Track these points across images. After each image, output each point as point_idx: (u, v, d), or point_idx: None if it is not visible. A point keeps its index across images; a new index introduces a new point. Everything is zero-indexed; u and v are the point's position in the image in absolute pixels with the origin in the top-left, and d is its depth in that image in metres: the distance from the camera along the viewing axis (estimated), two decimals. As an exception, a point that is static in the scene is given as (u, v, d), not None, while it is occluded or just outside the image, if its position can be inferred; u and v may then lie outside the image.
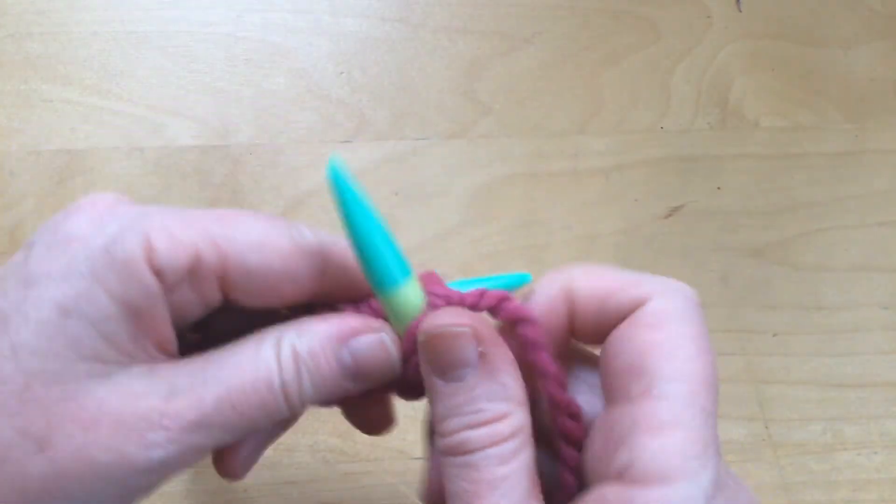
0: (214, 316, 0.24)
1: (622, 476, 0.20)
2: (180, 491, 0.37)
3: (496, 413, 0.21)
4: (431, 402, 0.23)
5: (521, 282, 0.25)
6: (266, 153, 0.43)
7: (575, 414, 0.24)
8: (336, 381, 0.23)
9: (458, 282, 0.25)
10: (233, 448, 0.25)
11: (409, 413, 0.39)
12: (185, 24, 0.45)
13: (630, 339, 0.22)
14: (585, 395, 0.24)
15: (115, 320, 0.20)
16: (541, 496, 0.21)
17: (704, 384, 0.21)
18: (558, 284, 0.24)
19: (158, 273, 0.21)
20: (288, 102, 0.44)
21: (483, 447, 0.21)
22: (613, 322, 0.23)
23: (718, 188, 0.45)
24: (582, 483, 0.23)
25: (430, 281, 0.24)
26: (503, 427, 0.21)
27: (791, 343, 0.42)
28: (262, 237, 0.22)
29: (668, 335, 0.22)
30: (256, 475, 0.37)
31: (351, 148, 0.44)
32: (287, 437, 0.38)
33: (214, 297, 0.22)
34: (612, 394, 0.22)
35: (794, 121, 0.47)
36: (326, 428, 0.38)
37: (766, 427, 0.40)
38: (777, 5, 0.49)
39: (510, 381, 0.22)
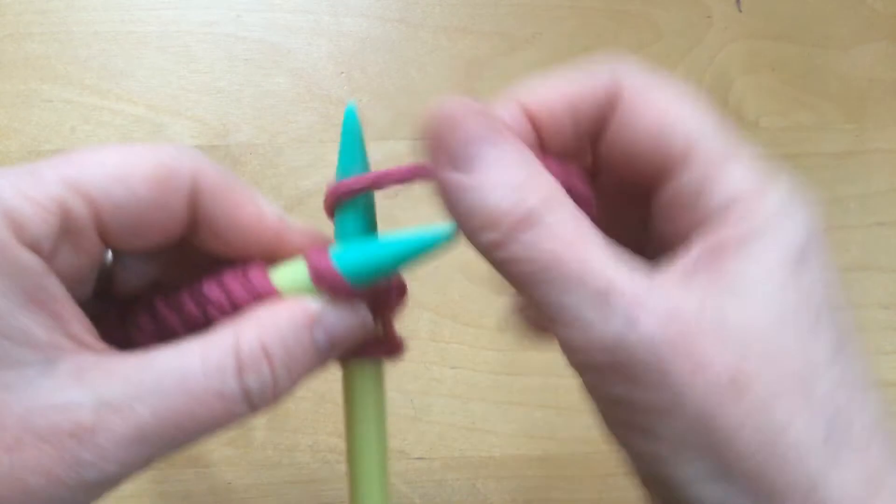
0: (112, 278, 0.23)
1: (728, 208, 0.19)
2: (181, 491, 0.37)
3: (536, 170, 0.20)
4: (457, 203, 0.20)
5: (438, 241, 0.22)
6: (266, 153, 0.43)
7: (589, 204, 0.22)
8: (312, 364, 0.21)
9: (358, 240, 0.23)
10: None
11: (408, 413, 0.39)
12: (185, 24, 0.45)
13: (633, 125, 0.21)
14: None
15: (12, 314, 0.18)
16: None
17: (721, 124, 0.21)
18: (515, 108, 0.22)
19: (35, 246, 0.19)
20: (288, 102, 0.44)
21: (543, 199, 0.19)
22: (593, 128, 0.22)
23: (718, 188, 0.45)
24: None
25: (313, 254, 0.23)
26: (549, 181, 0.19)
27: (791, 343, 0.42)
28: (123, 167, 0.20)
29: (663, 101, 0.21)
30: (257, 475, 0.37)
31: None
32: (287, 437, 0.38)
33: (96, 249, 0.21)
34: (646, 178, 0.21)
35: (794, 121, 0.47)
36: (327, 428, 0.38)
37: (766, 427, 0.40)
38: (777, 5, 0.49)
39: (532, 157, 0.20)
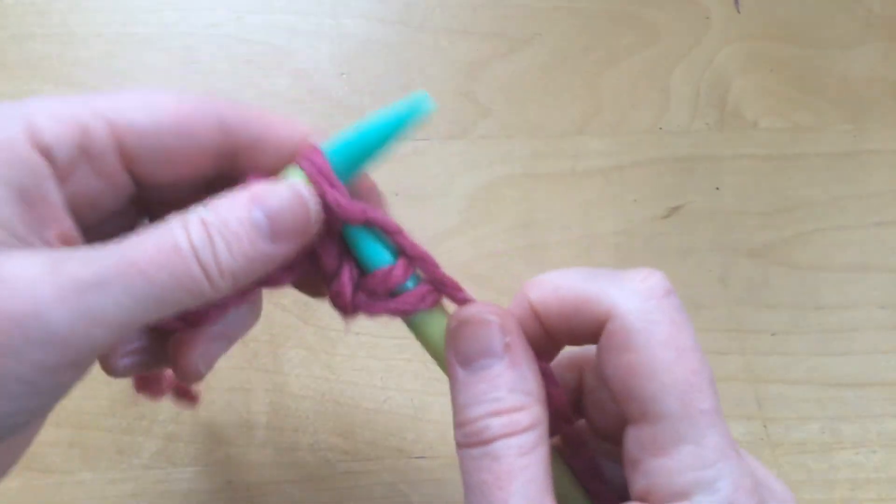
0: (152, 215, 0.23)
1: (646, 500, 0.21)
2: (181, 490, 0.37)
3: (517, 402, 0.22)
4: (452, 391, 0.23)
5: (418, 106, 0.23)
6: (267, 154, 0.43)
7: (565, 411, 0.24)
8: (253, 243, 0.21)
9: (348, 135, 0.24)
10: (186, 342, 0.24)
11: (408, 413, 0.39)
12: (186, 25, 0.45)
13: (608, 366, 0.22)
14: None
15: (2, 202, 0.19)
16: (553, 495, 0.21)
17: (693, 387, 0.20)
18: (524, 305, 0.24)
19: (46, 152, 0.20)
20: (289, 103, 0.44)
21: (504, 435, 0.21)
22: (590, 336, 0.23)
23: (717, 189, 0.45)
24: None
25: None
26: (523, 417, 0.21)
27: (789, 342, 0.42)
28: (147, 98, 0.21)
29: (640, 354, 0.21)
30: (257, 474, 0.37)
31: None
32: (287, 437, 0.38)
33: (120, 177, 0.21)
34: (622, 414, 0.22)
35: (792, 121, 0.47)
36: (327, 427, 0.38)
37: (765, 426, 0.40)
38: (776, 6, 0.49)
39: (530, 375, 0.22)
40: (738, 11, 0.48)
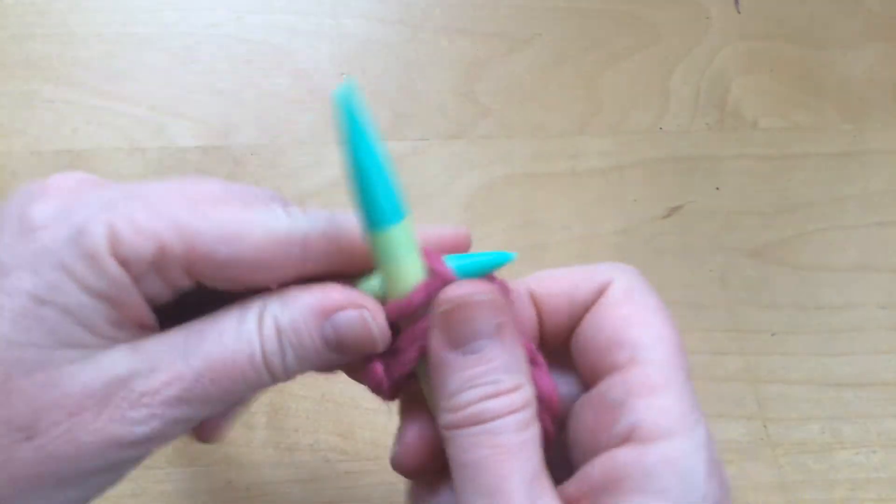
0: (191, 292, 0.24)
1: (630, 438, 0.21)
2: (181, 490, 0.37)
3: (513, 383, 0.22)
4: (440, 377, 0.22)
5: (505, 260, 0.24)
6: (267, 154, 0.43)
7: (556, 409, 0.24)
8: (319, 353, 0.23)
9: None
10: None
11: (409, 412, 0.39)
12: (186, 25, 0.45)
13: (604, 317, 0.23)
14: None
15: (89, 308, 0.21)
16: (547, 472, 0.22)
17: (679, 349, 0.23)
18: (523, 291, 0.25)
19: (124, 263, 0.21)
20: (289, 103, 0.44)
21: (502, 415, 0.21)
22: (583, 312, 0.24)
23: (717, 188, 0.45)
24: (568, 463, 0.24)
25: (431, 257, 0.24)
26: (518, 397, 0.22)
27: (790, 343, 0.42)
28: (234, 228, 0.21)
29: (638, 307, 0.23)
30: (257, 474, 0.37)
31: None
32: (288, 437, 0.38)
33: (184, 283, 0.22)
34: (595, 370, 0.23)
35: (792, 121, 0.47)
36: (327, 427, 0.38)
37: (765, 426, 0.40)
38: (776, 6, 0.49)
39: (521, 354, 0.23)
40: (738, 11, 0.48)
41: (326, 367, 0.24)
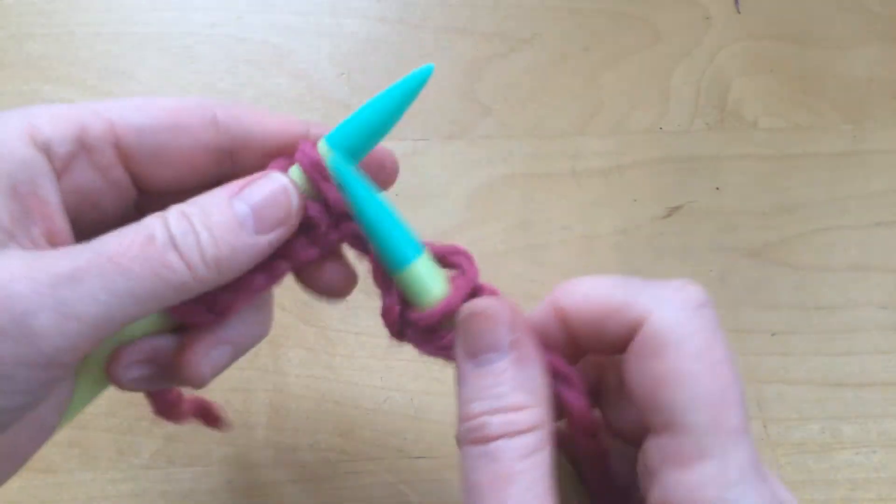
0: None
1: None
2: (181, 490, 0.37)
3: (517, 402, 0.21)
4: (458, 385, 0.23)
5: (419, 75, 0.24)
6: (267, 154, 0.43)
7: (589, 427, 0.24)
8: (237, 234, 0.22)
9: None
10: (191, 346, 0.24)
11: (408, 413, 0.39)
12: (186, 25, 0.45)
13: (638, 372, 0.21)
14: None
15: None
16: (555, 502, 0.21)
17: (723, 402, 0.20)
18: (548, 304, 0.24)
19: (44, 148, 0.20)
20: (289, 103, 0.44)
21: (502, 435, 0.21)
22: (619, 344, 0.22)
23: (717, 188, 0.45)
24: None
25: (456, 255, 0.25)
26: (522, 417, 0.21)
27: (790, 343, 0.42)
28: (143, 101, 0.22)
29: (672, 363, 0.20)
30: (257, 474, 0.37)
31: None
32: (287, 437, 0.38)
33: (118, 174, 0.22)
34: (644, 422, 0.22)
35: (792, 121, 0.47)
36: (327, 427, 0.38)
37: (765, 426, 0.40)
38: (776, 7, 0.49)
39: (535, 375, 0.22)
40: (739, 12, 0.48)
41: (255, 260, 0.22)
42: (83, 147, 0.21)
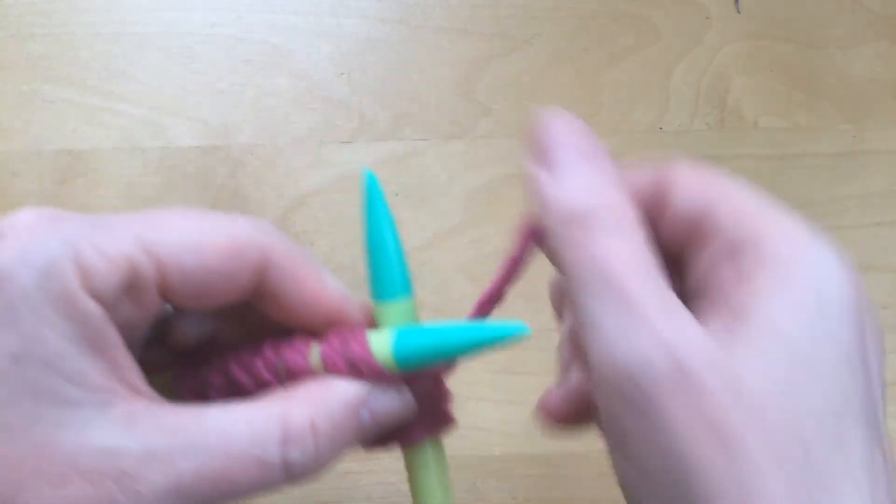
0: (168, 329, 0.24)
1: (761, 265, 0.20)
2: (182, 490, 0.37)
3: (610, 182, 0.21)
4: (536, 200, 0.21)
5: (513, 333, 0.22)
6: (267, 154, 0.43)
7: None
8: (354, 441, 0.22)
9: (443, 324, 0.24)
10: None
11: (409, 412, 0.39)
12: (186, 25, 0.45)
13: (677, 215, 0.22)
14: None
15: (71, 355, 0.19)
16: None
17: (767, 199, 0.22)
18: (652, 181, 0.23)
19: (98, 296, 0.20)
20: (289, 103, 0.44)
21: (605, 215, 0.20)
22: (651, 214, 0.22)
23: (717, 188, 0.45)
24: None
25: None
26: (618, 199, 0.20)
27: (790, 343, 0.42)
28: (198, 236, 0.21)
29: (706, 185, 0.22)
30: (257, 474, 0.37)
31: (351, 149, 0.44)
32: (288, 437, 0.38)
33: (156, 305, 0.21)
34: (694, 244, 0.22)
35: (792, 121, 0.47)
36: (327, 427, 0.38)
37: (765, 426, 0.40)
38: (776, 6, 0.49)
39: (609, 166, 0.21)
40: (738, 11, 0.48)
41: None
42: (131, 290, 0.20)
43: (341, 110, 0.44)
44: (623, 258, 0.19)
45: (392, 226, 0.24)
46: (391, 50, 0.46)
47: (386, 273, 0.24)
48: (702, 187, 0.22)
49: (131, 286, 0.20)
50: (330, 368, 0.23)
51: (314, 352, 0.23)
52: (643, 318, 0.18)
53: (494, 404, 0.40)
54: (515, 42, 0.47)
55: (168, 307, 0.23)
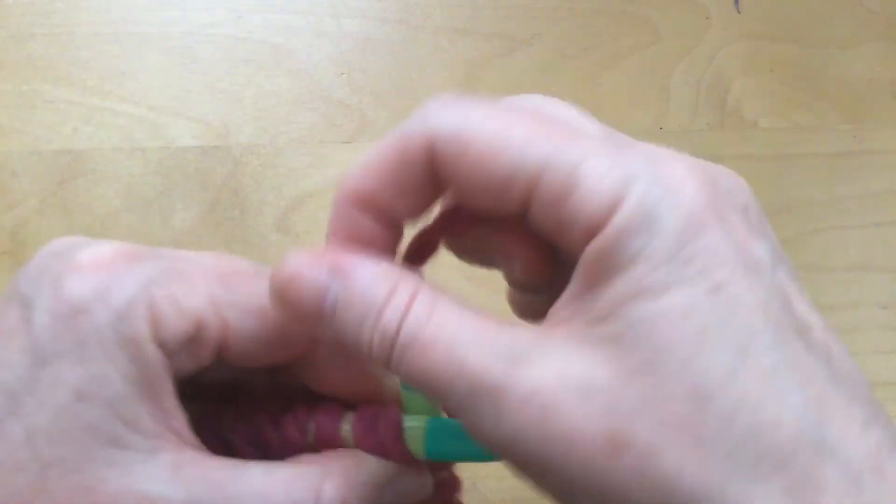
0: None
1: (590, 233, 0.17)
2: (181, 490, 0.37)
3: (387, 288, 0.18)
4: (349, 350, 0.19)
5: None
6: (267, 153, 0.43)
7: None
8: None
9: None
10: None
11: (409, 412, 0.39)
12: (186, 24, 0.45)
13: (465, 175, 0.18)
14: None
15: (131, 400, 0.19)
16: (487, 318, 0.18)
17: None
18: (345, 209, 0.20)
19: (163, 345, 0.20)
20: (289, 103, 0.44)
21: (400, 320, 0.18)
22: (431, 182, 0.19)
23: (717, 188, 0.45)
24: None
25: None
26: (403, 292, 0.18)
27: (790, 343, 0.42)
28: (261, 302, 0.21)
29: (483, 138, 0.18)
30: (257, 474, 0.37)
31: (351, 148, 0.44)
32: (288, 437, 0.38)
33: (209, 359, 0.22)
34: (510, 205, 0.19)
35: (792, 121, 0.47)
36: (327, 427, 0.38)
37: (765, 426, 0.40)
38: (776, 6, 0.49)
39: (381, 264, 0.19)
40: (739, 11, 0.48)
41: None
42: (192, 344, 0.21)
43: (341, 110, 0.44)
44: (443, 354, 0.18)
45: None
46: (391, 50, 0.46)
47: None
48: (481, 153, 0.18)
49: (194, 341, 0.21)
50: (359, 443, 0.23)
51: (346, 422, 0.24)
52: (501, 393, 0.17)
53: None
54: (515, 42, 0.47)
55: None
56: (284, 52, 0.45)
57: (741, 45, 0.48)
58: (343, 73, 0.45)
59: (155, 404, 0.20)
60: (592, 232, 0.17)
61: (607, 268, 0.17)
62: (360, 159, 0.20)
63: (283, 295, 0.19)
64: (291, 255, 0.19)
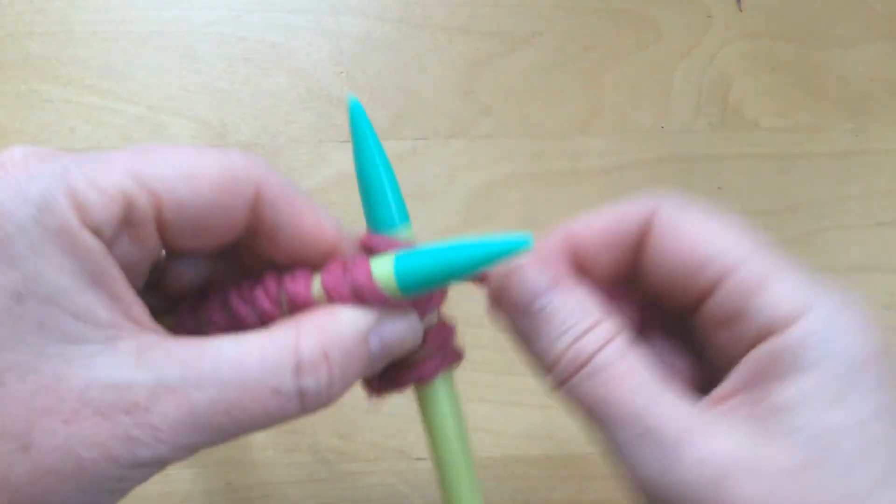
0: (163, 275, 0.23)
1: (768, 334, 0.21)
2: (181, 491, 0.37)
3: (591, 321, 0.22)
4: (526, 346, 0.23)
5: (514, 245, 0.22)
6: (266, 153, 0.43)
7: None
8: (365, 369, 0.22)
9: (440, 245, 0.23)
10: None
11: (409, 413, 0.39)
12: (185, 23, 0.45)
13: (667, 246, 0.23)
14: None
15: (75, 292, 0.19)
16: (670, 384, 0.22)
17: (759, 240, 0.22)
18: (558, 238, 0.25)
19: (96, 231, 0.19)
20: (288, 102, 0.44)
21: (596, 350, 0.22)
22: (632, 247, 0.24)
23: (719, 188, 0.45)
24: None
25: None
26: (603, 329, 0.22)
27: (791, 343, 0.42)
28: (191, 168, 0.20)
29: (696, 222, 0.23)
30: (257, 475, 0.37)
31: (350, 148, 0.44)
32: (287, 437, 0.38)
33: (153, 243, 0.21)
34: (686, 295, 0.23)
35: (794, 121, 0.47)
36: (326, 428, 0.38)
37: (767, 427, 0.40)
38: (777, 5, 0.49)
39: (586, 297, 0.23)
40: (740, 10, 0.48)
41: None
42: (128, 225, 0.20)
43: (340, 109, 0.44)
44: (628, 390, 0.21)
45: (382, 154, 0.24)
46: (391, 49, 0.46)
47: (381, 203, 0.24)
48: (684, 237, 0.23)
49: (128, 220, 0.20)
50: (333, 298, 0.22)
51: (316, 282, 0.22)
52: (676, 448, 0.20)
53: (495, 406, 0.40)
54: (516, 41, 0.47)
55: (163, 253, 0.23)
56: (284, 51, 0.45)
57: (743, 44, 0.48)
58: (342, 72, 0.45)
59: (104, 293, 0.19)
60: (771, 330, 0.21)
61: (784, 366, 0.20)
62: (593, 211, 0.25)
63: (507, 275, 0.23)
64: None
